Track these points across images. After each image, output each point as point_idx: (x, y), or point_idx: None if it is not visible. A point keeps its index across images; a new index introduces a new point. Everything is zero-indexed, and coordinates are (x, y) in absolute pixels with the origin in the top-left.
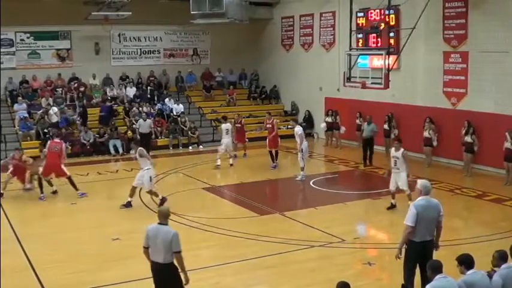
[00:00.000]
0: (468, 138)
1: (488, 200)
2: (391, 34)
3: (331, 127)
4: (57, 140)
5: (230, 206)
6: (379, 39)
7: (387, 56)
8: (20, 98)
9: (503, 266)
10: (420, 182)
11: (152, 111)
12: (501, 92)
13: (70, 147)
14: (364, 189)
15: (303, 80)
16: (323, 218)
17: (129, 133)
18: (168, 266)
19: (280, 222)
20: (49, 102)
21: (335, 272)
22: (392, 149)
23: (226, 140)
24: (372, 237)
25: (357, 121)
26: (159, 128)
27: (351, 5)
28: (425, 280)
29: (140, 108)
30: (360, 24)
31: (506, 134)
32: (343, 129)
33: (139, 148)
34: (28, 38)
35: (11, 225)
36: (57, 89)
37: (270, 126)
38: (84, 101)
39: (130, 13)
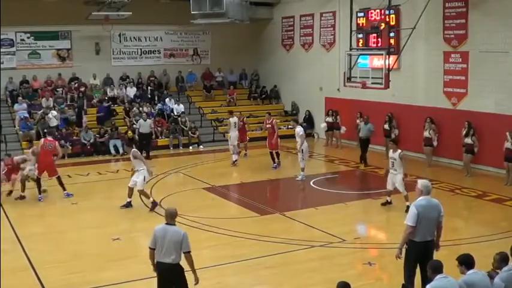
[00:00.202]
0: (468, 140)
1: (489, 200)
2: (392, 34)
3: (331, 127)
4: (50, 138)
5: (230, 206)
6: (379, 39)
7: (387, 56)
8: (20, 98)
9: (505, 268)
10: (421, 182)
11: (152, 111)
12: (501, 92)
13: (70, 147)
14: (364, 189)
15: (303, 80)
16: (323, 218)
17: (130, 133)
18: (175, 266)
19: (280, 222)
20: (49, 102)
21: (335, 272)
22: (390, 151)
23: (234, 133)
24: (372, 237)
25: (357, 121)
26: (159, 128)
27: (351, 5)
28: (426, 280)
29: (140, 108)
30: (360, 24)
31: (507, 134)
32: (343, 129)
33: (133, 150)
34: (28, 38)
35: (11, 225)
36: (58, 89)
37: (270, 126)
38: (84, 101)
39: (131, 13)
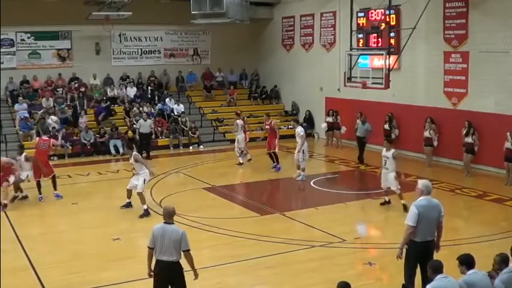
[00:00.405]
0: (469, 139)
1: (489, 200)
2: (392, 34)
3: (331, 127)
4: (45, 137)
5: (231, 206)
6: (379, 39)
7: (388, 56)
8: (20, 98)
9: (505, 270)
10: (421, 182)
11: (153, 111)
12: (502, 92)
13: (71, 147)
14: (364, 189)
15: (304, 80)
16: (324, 218)
17: (130, 133)
18: (175, 264)
19: (280, 222)
20: (49, 102)
21: (336, 272)
22: (384, 149)
23: (241, 136)
24: (373, 237)
25: (358, 121)
26: (159, 128)
27: (351, 5)
28: (426, 280)
29: (141, 108)
30: (361, 24)
31: (507, 134)
32: (343, 129)
33: (134, 153)
34: (28, 38)
35: (11, 225)
36: (58, 89)
37: (268, 128)
38: (85, 101)
39: (131, 13)
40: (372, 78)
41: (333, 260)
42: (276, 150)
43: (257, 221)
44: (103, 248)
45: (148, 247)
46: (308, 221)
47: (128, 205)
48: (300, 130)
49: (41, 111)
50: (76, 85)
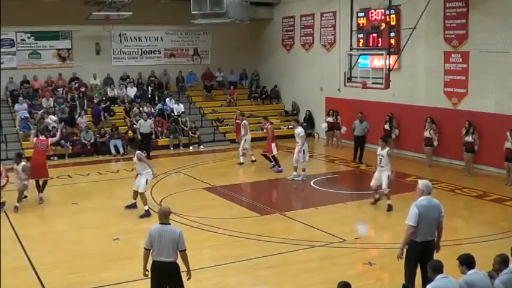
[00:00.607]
0: (469, 138)
1: (489, 200)
2: (392, 34)
3: (332, 127)
4: (42, 137)
5: (231, 206)
6: (379, 39)
7: (388, 56)
8: (20, 98)
9: (505, 271)
10: (422, 182)
11: (153, 111)
12: (502, 92)
13: (71, 147)
14: (365, 189)
15: (304, 80)
16: (324, 218)
17: (130, 133)
18: (173, 264)
19: (281, 222)
20: (50, 102)
21: (336, 272)
22: (379, 148)
23: (249, 136)
24: (373, 237)
25: (355, 121)
26: (159, 128)
27: (351, 5)
28: (426, 280)
29: (141, 108)
30: (361, 24)
31: (507, 134)
32: (344, 129)
33: (138, 152)
34: (29, 38)
35: (11, 225)
36: (58, 89)
37: (265, 130)
38: (85, 101)
39: (131, 13)
40: (372, 78)
41: (333, 260)
42: (274, 153)
43: (257, 221)
44: (103, 248)
45: (145, 248)
46: (308, 221)
47: (133, 206)
48: (300, 130)
49: (41, 111)
50: (76, 85)
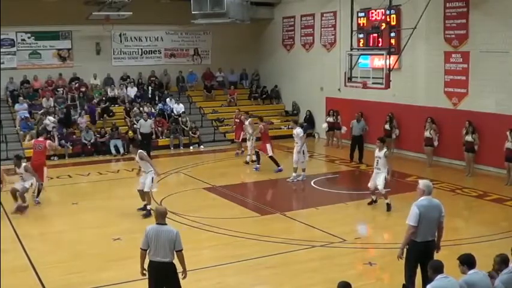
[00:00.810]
0: (469, 138)
1: (489, 200)
2: (392, 34)
3: (332, 127)
4: (40, 138)
5: (231, 206)
6: (380, 39)
7: (388, 56)
8: (21, 98)
9: (505, 271)
10: (422, 182)
11: (153, 111)
12: (502, 92)
13: (71, 147)
14: (365, 190)
15: (304, 80)
16: (324, 218)
17: (130, 133)
18: (170, 264)
19: (281, 222)
20: (50, 102)
21: (336, 272)
22: (376, 149)
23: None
24: (373, 237)
25: (353, 120)
26: (160, 128)
27: (352, 5)
28: (426, 280)
29: (141, 108)
30: (361, 24)
31: (507, 133)
32: (344, 129)
33: (139, 151)
34: (29, 38)
35: (11, 224)
36: (58, 89)
37: (260, 130)
38: (87, 101)
39: (131, 13)
40: (373, 78)
41: (333, 260)
42: (270, 154)
43: (257, 221)
44: (103, 248)
45: (142, 249)
46: (308, 221)
47: (144, 209)
48: (299, 131)
49: (41, 111)
50: (76, 85)
